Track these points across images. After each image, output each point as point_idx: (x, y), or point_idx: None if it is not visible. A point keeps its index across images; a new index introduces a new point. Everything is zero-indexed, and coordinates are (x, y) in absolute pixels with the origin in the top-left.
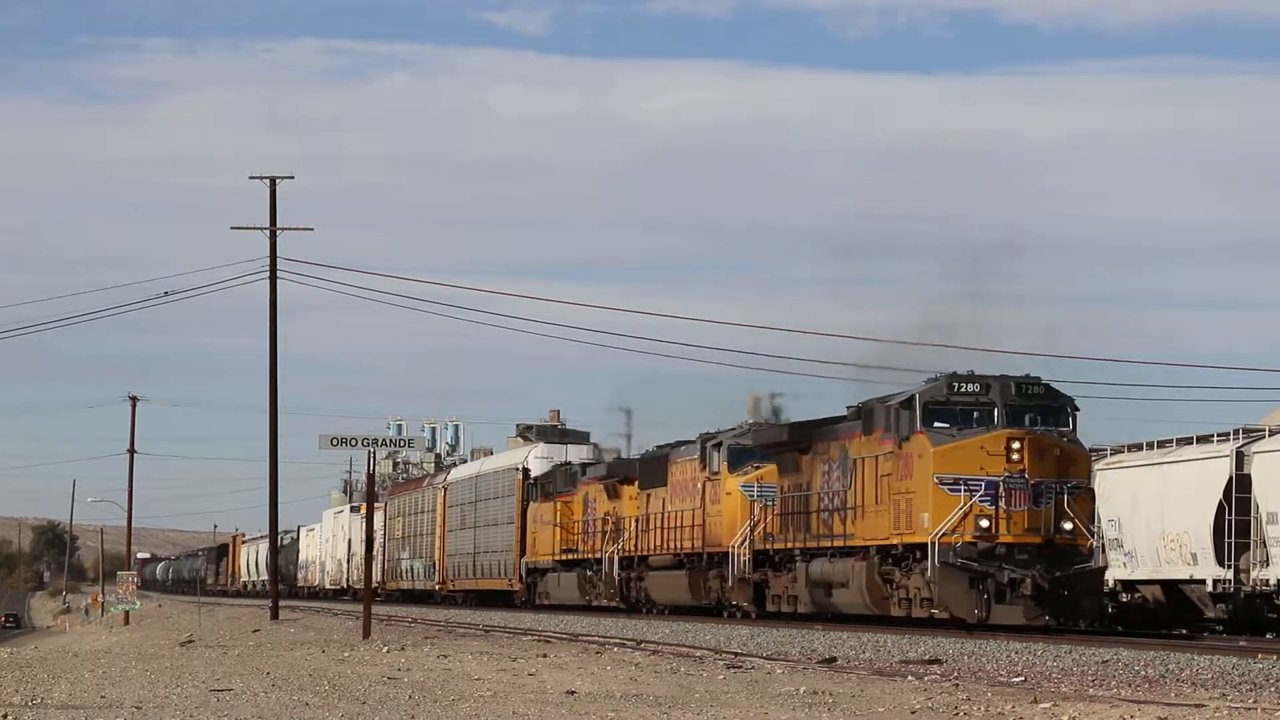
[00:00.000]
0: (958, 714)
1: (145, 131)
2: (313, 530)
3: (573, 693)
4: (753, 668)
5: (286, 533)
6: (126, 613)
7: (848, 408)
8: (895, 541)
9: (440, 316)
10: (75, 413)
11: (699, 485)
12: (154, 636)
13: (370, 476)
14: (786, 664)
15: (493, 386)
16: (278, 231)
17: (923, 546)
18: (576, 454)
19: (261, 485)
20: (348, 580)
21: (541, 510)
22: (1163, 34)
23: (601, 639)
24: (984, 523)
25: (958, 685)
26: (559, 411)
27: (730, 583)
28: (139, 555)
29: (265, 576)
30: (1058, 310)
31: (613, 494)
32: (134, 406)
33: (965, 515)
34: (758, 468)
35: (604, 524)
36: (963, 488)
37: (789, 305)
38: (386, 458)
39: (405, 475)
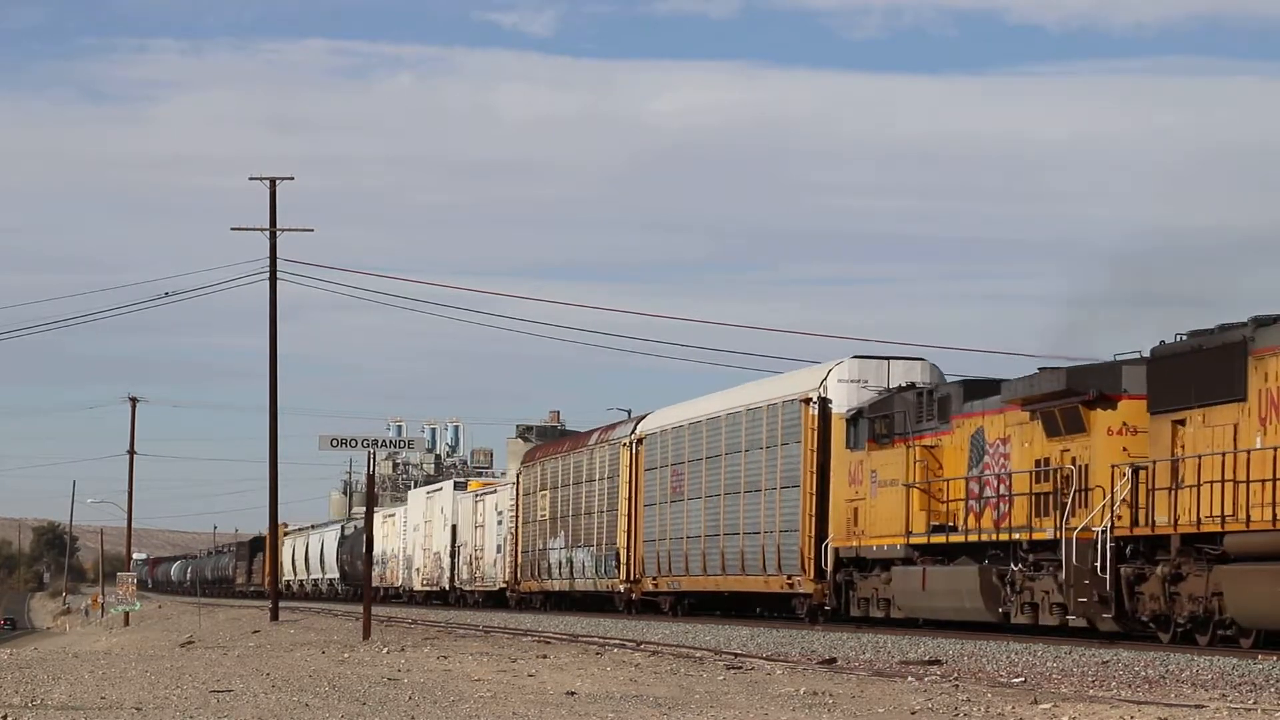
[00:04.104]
0: (958, 715)
1: (149, 132)
2: (392, 516)
3: (573, 693)
4: (753, 668)
5: (351, 520)
6: (126, 614)
7: None
8: None
9: (440, 316)
10: (75, 413)
11: None
12: (154, 637)
13: (370, 477)
14: (786, 665)
15: (493, 386)
16: (278, 232)
17: None
18: (907, 375)
19: (261, 485)
20: (452, 580)
21: (869, 463)
22: (1168, 34)
23: (601, 639)
24: None
25: (958, 686)
26: (559, 412)
27: None
28: (137, 556)
29: (318, 574)
30: None
31: (1063, 425)
32: (134, 407)
33: None
34: None
35: (1043, 479)
36: None
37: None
38: (386, 458)
39: (405, 476)
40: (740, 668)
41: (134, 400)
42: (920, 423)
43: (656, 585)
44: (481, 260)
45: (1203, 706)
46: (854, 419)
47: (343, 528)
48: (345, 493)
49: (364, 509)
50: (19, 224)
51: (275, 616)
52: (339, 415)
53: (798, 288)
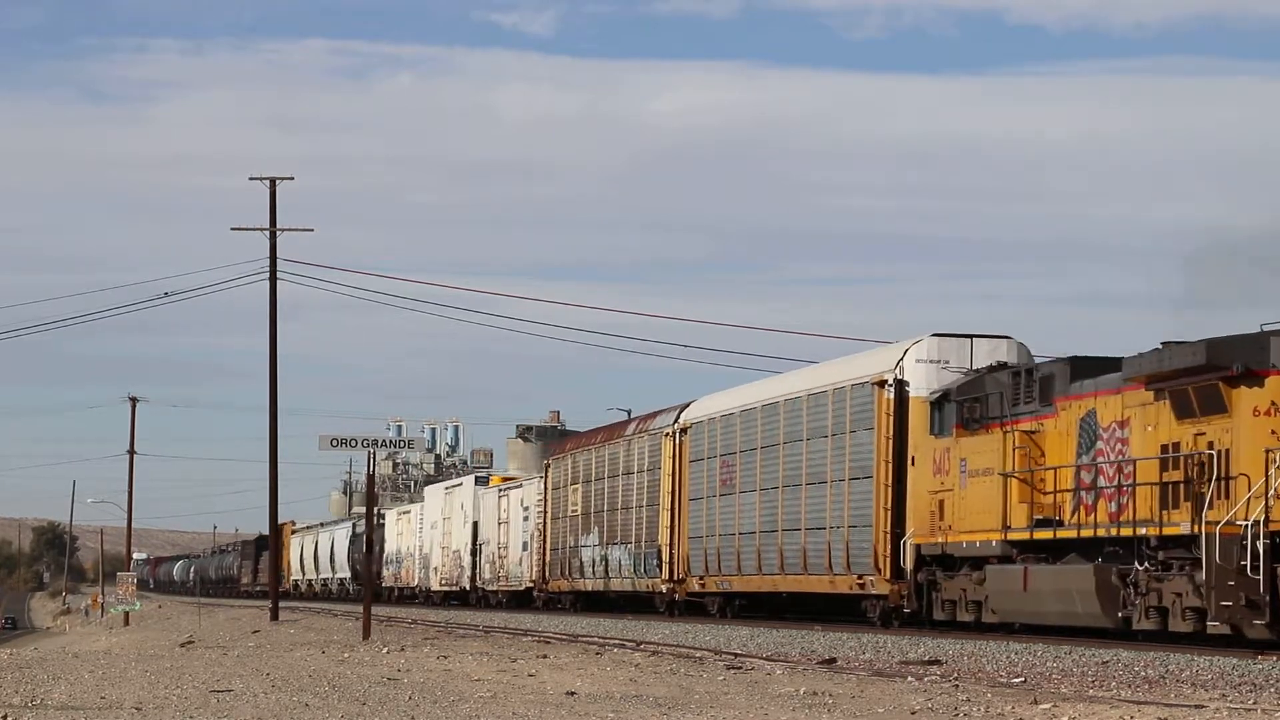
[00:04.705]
0: (958, 715)
1: (149, 132)
2: (407, 513)
3: (573, 693)
4: (753, 668)
5: (363, 518)
6: (126, 613)
7: None
8: None
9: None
10: (75, 413)
11: None
12: (154, 637)
13: (370, 477)
14: (786, 665)
15: (493, 386)
16: (278, 232)
17: None
18: (992, 354)
19: (261, 485)
20: (473, 579)
21: (957, 450)
22: (1169, 34)
23: (601, 639)
24: None
25: (958, 686)
26: (559, 412)
27: None
28: (137, 556)
29: (328, 574)
30: None
31: (1198, 405)
32: (134, 407)
33: None
34: None
35: (1172, 467)
36: None
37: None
38: (386, 458)
39: (405, 476)
40: (740, 668)
41: (134, 400)
42: (1018, 405)
43: (704, 585)
44: (481, 260)
45: (1203, 706)
46: (939, 402)
47: (354, 525)
48: (345, 493)
49: (388, 504)
50: (19, 224)
51: (275, 616)
52: (339, 415)
53: (798, 288)
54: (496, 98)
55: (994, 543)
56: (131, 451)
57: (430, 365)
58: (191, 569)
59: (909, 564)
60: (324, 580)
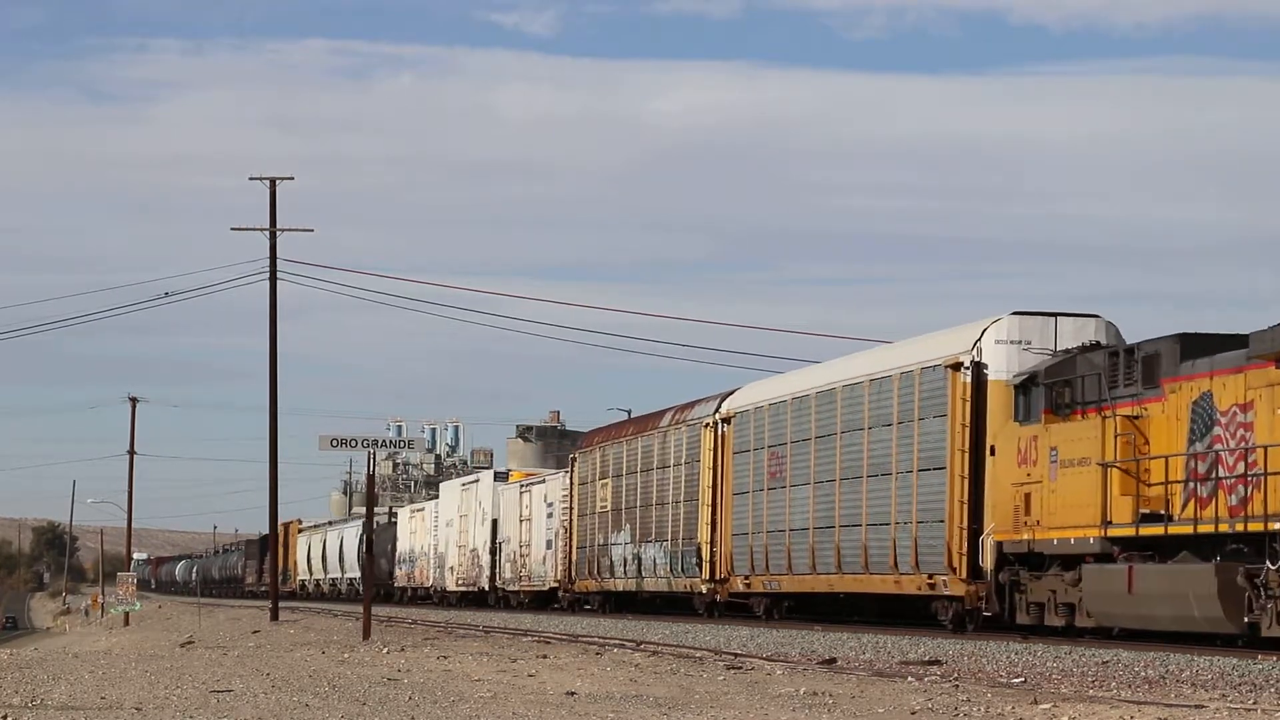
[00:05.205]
0: (958, 715)
1: (149, 132)
2: (421, 511)
3: (573, 694)
4: (753, 669)
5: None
6: (126, 614)
7: None
8: None
9: (440, 316)
10: (75, 413)
11: None
12: (154, 637)
13: (370, 477)
14: (786, 665)
15: (493, 386)
16: (278, 232)
17: None
18: (1079, 335)
19: (261, 485)
20: (492, 579)
21: (1046, 438)
22: (1170, 34)
23: (601, 640)
24: None
25: (958, 686)
26: (559, 412)
27: None
28: (137, 556)
29: (337, 574)
30: None
31: None
32: (134, 407)
33: None
34: None
35: None
36: None
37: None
38: (386, 458)
39: (405, 476)
40: (740, 668)
41: (134, 400)
42: (1117, 388)
43: (749, 585)
44: (482, 260)
45: (1203, 706)
46: (1025, 386)
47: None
48: (345, 493)
49: (384, 506)
50: (19, 224)
51: (275, 616)
52: (339, 415)
53: (798, 288)
54: (497, 98)
55: (1092, 539)
56: (131, 451)
57: (430, 365)
58: (195, 569)
59: (989, 563)
60: (333, 580)
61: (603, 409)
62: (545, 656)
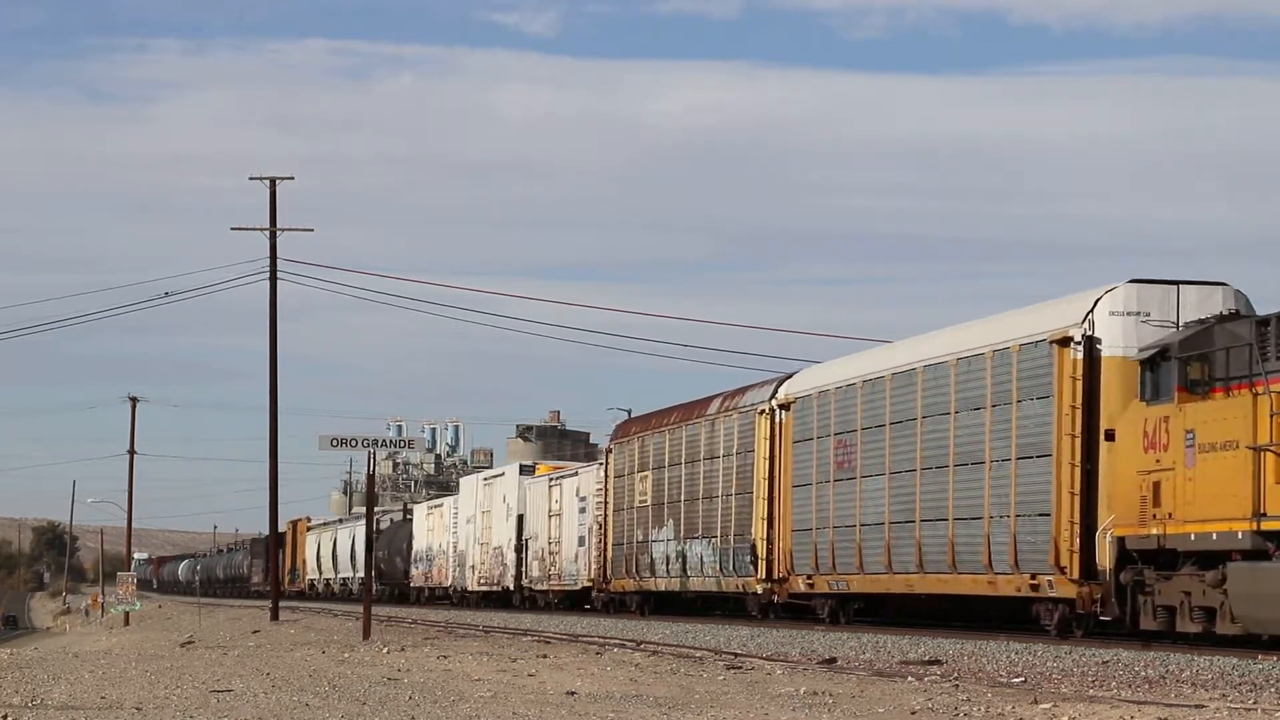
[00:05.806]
0: (958, 715)
1: (149, 132)
2: (439, 507)
3: (573, 693)
4: (753, 668)
5: (387, 513)
6: (126, 613)
7: None
8: None
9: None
10: (75, 413)
11: None
12: (154, 637)
13: (370, 477)
14: (786, 665)
15: (493, 386)
16: (278, 232)
17: None
18: (1204, 306)
19: (262, 485)
20: (518, 578)
21: (1180, 419)
22: (1170, 34)
23: (601, 639)
24: None
25: (958, 686)
26: (559, 412)
27: None
28: (138, 555)
29: (348, 573)
30: None
31: None
32: (134, 407)
33: None
34: None
35: None
36: None
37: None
38: (386, 458)
39: (405, 476)
40: (740, 668)
41: (134, 400)
42: (1268, 362)
43: (811, 586)
44: (482, 260)
45: (1203, 706)
46: (1152, 361)
47: (378, 520)
48: (345, 492)
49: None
50: (19, 224)
51: (275, 616)
52: (339, 415)
53: (797, 288)
54: (497, 98)
55: (1240, 533)
56: (131, 451)
57: (430, 365)
58: (197, 568)
59: (1108, 561)
60: (344, 579)
61: (603, 409)
62: (545, 656)
